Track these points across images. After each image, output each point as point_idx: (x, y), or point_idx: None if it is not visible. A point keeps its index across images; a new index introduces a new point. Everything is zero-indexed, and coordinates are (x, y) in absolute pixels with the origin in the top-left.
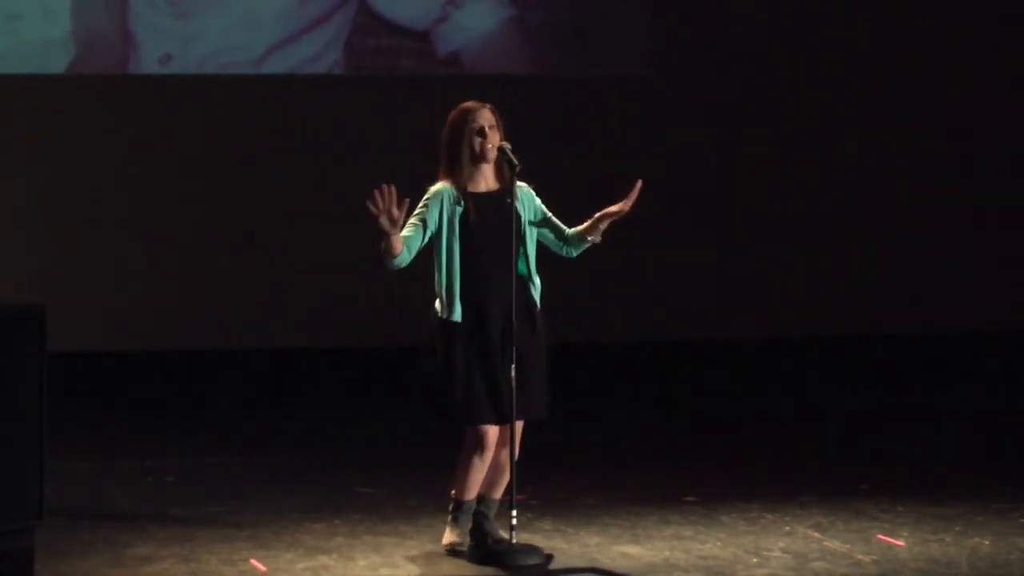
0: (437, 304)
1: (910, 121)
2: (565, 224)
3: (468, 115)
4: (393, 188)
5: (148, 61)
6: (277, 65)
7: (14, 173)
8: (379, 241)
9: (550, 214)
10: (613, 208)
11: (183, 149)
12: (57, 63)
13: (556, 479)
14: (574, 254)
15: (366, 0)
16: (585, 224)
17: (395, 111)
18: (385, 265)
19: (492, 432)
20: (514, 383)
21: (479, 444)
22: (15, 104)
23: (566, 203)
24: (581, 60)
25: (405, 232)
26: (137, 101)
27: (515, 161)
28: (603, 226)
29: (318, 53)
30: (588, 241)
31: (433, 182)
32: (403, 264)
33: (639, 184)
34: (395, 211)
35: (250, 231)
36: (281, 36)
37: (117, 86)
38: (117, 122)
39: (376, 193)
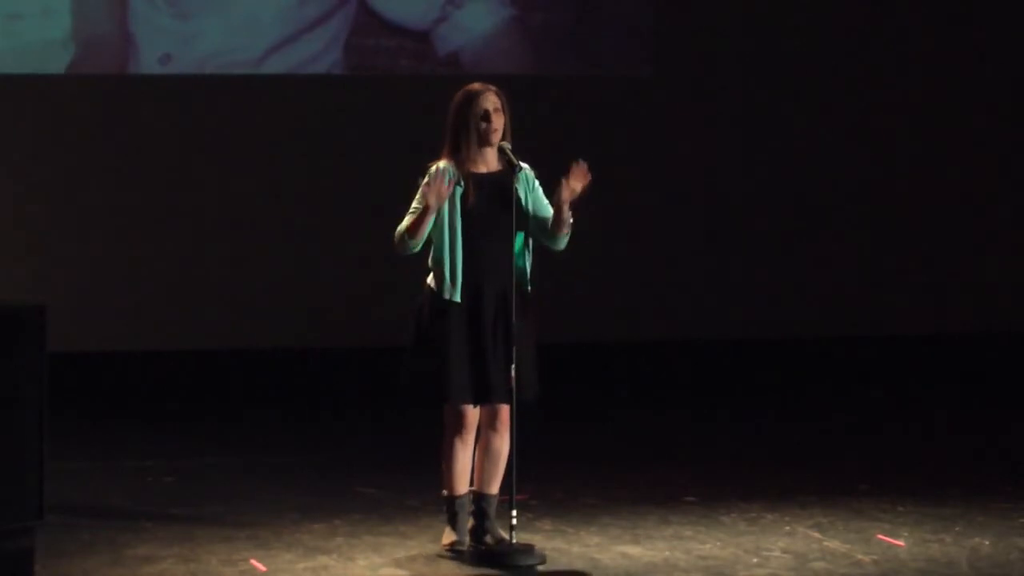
0: (431, 282)
1: (910, 121)
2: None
3: (473, 98)
4: (454, 182)
5: (148, 61)
6: (277, 65)
7: (14, 173)
8: (408, 220)
9: (545, 207)
10: (561, 193)
11: (183, 149)
12: (57, 63)
13: (556, 479)
14: (557, 246)
15: (366, 0)
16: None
17: (395, 111)
18: (398, 247)
19: (471, 413)
20: (514, 381)
21: (457, 425)
22: (15, 104)
23: None
24: (581, 60)
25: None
26: (137, 101)
27: (515, 161)
28: (565, 210)
29: (318, 53)
30: (560, 231)
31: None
32: (416, 249)
33: (578, 166)
34: (444, 189)
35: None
36: (281, 36)
37: (117, 86)
38: (117, 122)
39: (440, 177)
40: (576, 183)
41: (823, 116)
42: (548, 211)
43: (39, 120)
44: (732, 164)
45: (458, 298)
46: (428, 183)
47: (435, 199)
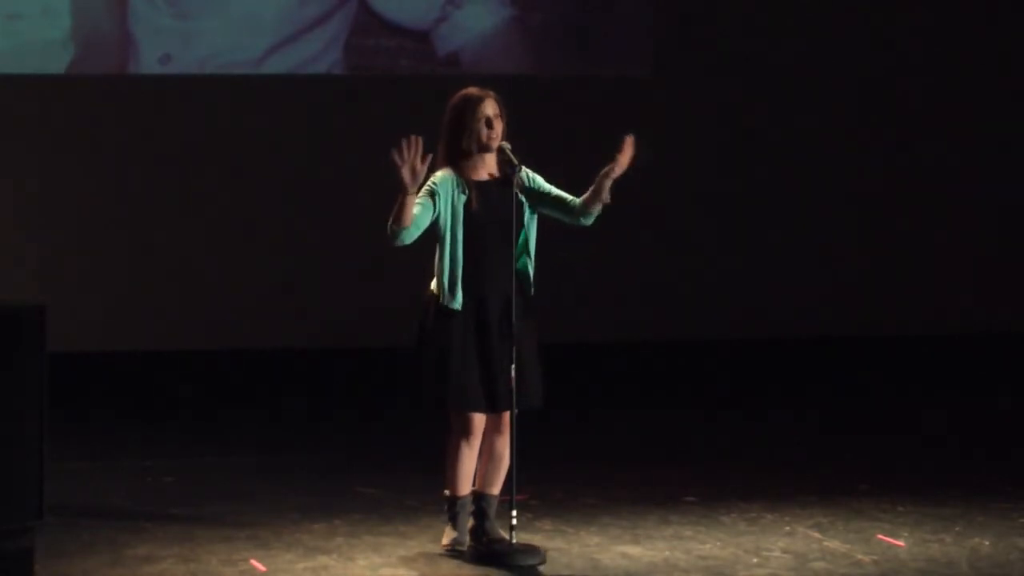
0: (435, 288)
1: (909, 121)
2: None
3: (474, 104)
4: (419, 140)
5: (148, 61)
6: (277, 65)
7: (14, 173)
8: (392, 207)
9: (553, 188)
10: (610, 167)
11: (183, 149)
12: (57, 63)
13: (556, 479)
14: (588, 222)
15: (366, 0)
16: (590, 189)
17: (395, 111)
18: (390, 238)
19: (479, 420)
20: (514, 381)
21: (465, 431)
22: (15, 104)
23: None
24: (581, 60)
25: (414, 208)
26: (137, 101)
27: (515, 161)
28: (607, 186)
29: (318, 53)
30: (597, 206)
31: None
32: (407, 240)
33: (629, 139)
34: (419, 164)
35: None
36: (281, 36)
37: (117, 86)
38: (117, 122)
39: (403, 143)
40: (626, 159)
41: (823, 116)
42: (561, 192)
43: (39, 120)
44: (732, 164)
45: (457, 306)
46: (399, 162)
47: (408, 175)
